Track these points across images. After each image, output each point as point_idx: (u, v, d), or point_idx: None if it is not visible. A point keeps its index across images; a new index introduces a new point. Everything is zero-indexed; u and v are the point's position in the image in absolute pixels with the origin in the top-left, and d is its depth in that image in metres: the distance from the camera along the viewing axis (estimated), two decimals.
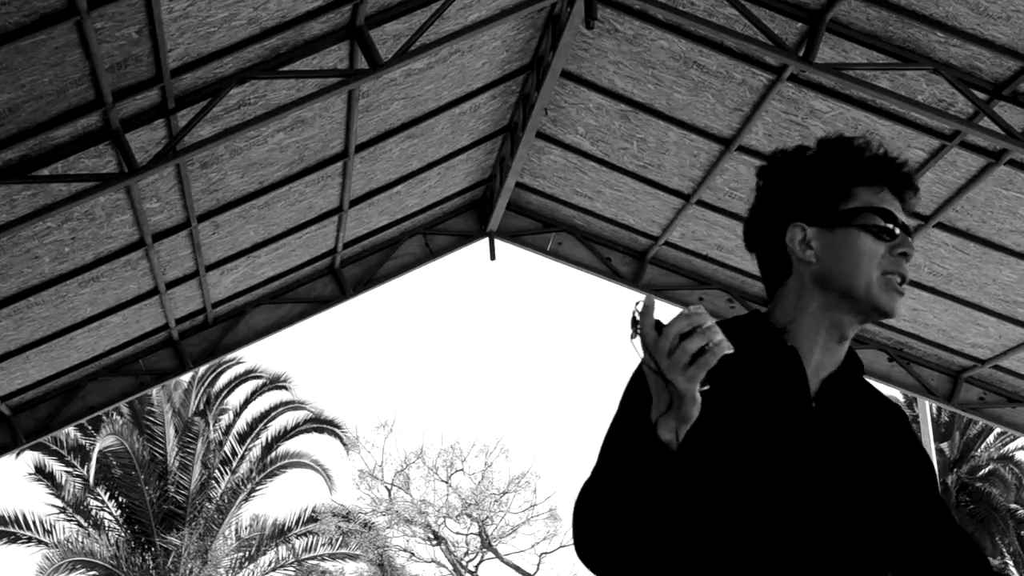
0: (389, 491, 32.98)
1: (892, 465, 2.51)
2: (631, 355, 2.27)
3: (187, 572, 26.70)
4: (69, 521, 27.18)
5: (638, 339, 2.23)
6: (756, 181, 2.65)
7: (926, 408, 24.60)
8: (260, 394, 28.94)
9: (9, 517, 26.81)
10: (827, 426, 2.45)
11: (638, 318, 2.23)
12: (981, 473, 33.28)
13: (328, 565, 29.80)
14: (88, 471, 26.55)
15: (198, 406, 28.26)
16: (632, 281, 13.11)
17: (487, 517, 33.17)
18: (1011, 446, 33.76)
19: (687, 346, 2.15)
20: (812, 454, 2.41)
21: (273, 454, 28.44)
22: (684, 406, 2.19)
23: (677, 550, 2.38)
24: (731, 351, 2.16)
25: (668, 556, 2.38)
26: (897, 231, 2.49)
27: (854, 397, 2.54)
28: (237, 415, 28.78)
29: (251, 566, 28.30)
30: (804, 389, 2.46)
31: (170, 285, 11.23)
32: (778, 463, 2.39)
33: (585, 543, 2.36)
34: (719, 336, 2.15)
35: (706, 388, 2.21)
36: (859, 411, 2.52)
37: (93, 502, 27.13)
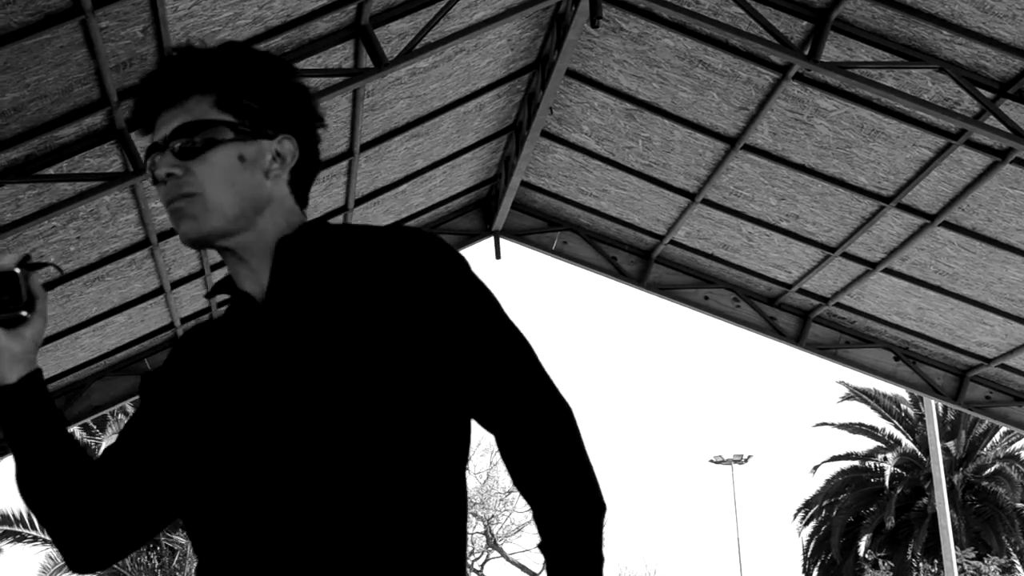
0: None
1: (359, 328, 2.03)
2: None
3: (193, 571, 26.73)
4: None
5: None
6: None
7: (932, 407, 24.60)
8: None
9: (15, 517, 26.87)
10: (283, 320, 2.09)
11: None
12: (987, 472, 33.29)
13: None
14: None
15: None
16: (638, 280, 13.10)
17: (492, 516, 33.20)
18: (1017, 445, 33.76)
19: None
20: (256, 367, 2.07)
21: None
22: None
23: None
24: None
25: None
26: (153, 161, 2.15)
27: (315, 271, 2.11)
28: None
29: None
30: (248, 300, 2.17)
31: (175, 284, 11.23)
32: (214, 400, 2.10)
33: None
34: None
35: (14, 315, 2.12)
36: (320, 284, 2.10)
37: None
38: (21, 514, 26.88)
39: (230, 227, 2.11)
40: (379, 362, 2.00)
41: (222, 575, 2.00)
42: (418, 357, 2.03)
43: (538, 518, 2.03)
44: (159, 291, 11.17)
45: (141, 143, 8.57)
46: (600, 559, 2.01)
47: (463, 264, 2.11)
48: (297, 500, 1.95)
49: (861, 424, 35.38)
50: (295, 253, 2.12)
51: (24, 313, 2.13)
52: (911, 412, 34.44)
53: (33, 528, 26.87)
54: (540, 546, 2.05)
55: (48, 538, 26.85)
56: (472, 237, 13.19)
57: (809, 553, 35.75)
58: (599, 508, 2.02)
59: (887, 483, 33.57)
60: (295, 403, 1.99)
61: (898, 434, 34.92)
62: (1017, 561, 31.80)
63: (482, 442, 41.99)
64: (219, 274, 11.53)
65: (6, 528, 26.79)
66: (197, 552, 2.10)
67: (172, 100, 2.14)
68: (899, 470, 33.96)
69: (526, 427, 2.04)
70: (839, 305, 12.85)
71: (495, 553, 33.25)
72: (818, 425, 36.96)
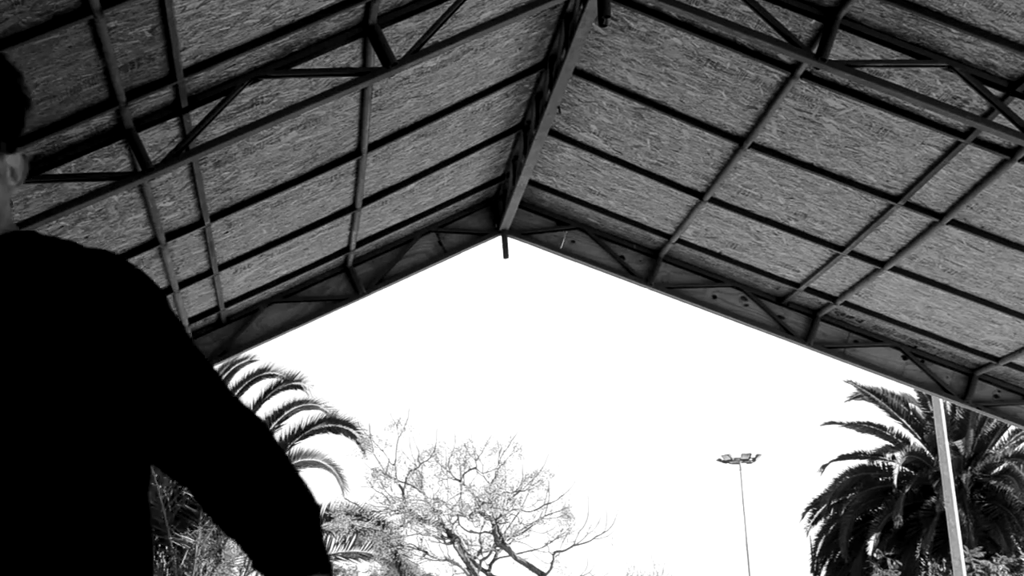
0: (402, 490, 32.97)
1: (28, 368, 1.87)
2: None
3: (200, 571, 26.75)
4: None
5: None
6: None
7: (940, 406, 24.59)
8: (274, 393, 29.00)
9: None
10: None
11: None
12: (996, 471, 33.23)
13: (341, 564, 29.85)
14: None
15: None
16: (645, 279, 13.09)
17: (500, 515, 33.20)
18: None
19: None
20: None
21: (287, 453, 28.49)
22: None
23: None
24: None
25: None
26: None
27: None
28: None
29: None
30: None
31: (183, 284, 11.24)
32: None
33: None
34: None
35: None
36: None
37: None
38: None
39: None
40: (48, 388, 1.85)
41: None
42: (96, 387, 1.88)
43: (261, 536, 1.94)
44: (167, 291, 11.18)
45: (149, 143, 8.57)
46: (328, 559, 1.96)
47: (158, 297, 1.97)
48: None
49: (869, 423, 35.33)
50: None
51: None
52: (919, 411, 34.38)
53: None
54: (263, 566, 1.95)
55: None
56: (480, 236, 13.19)
57: (817, 552, 35.71)
58: (317, 509, 1.97)
59: (895, 482, 33.53)
60: None
61: (906, 433, 34.86)
62: None
63: (489, 441, 41.96)
64: (226, 275, 11.54)
65: None
66: None
67: None
68: (907, 469, 33.91)
69: (237, 456, 1.94)
70: (847, 304, 12.84)
71: (503, 552, 33.25)
72: (826, 424, 36.88)
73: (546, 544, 33.37)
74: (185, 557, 26.80)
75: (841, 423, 35.58)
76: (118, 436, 1.92)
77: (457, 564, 33.18)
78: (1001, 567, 28.82)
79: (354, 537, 29.46)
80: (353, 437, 29.60)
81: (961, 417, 33.34)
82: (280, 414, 28.71)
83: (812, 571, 35.91)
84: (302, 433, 28.76)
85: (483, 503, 32.76)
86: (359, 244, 12.50)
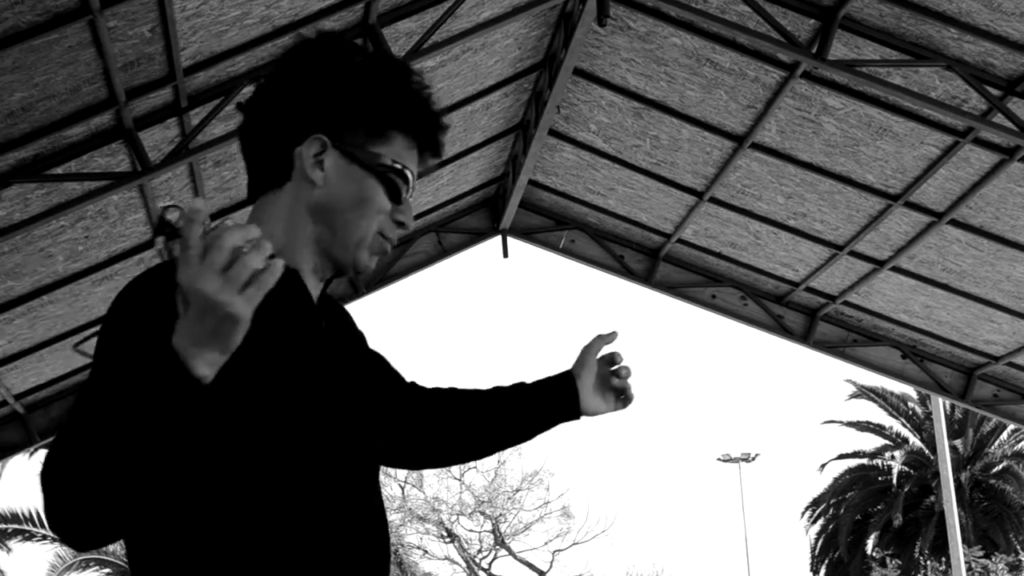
0: (402, 489, 32.98)
1: (368, 365, 2.50)
2: (155, 261, 2.13)
3: None
4: None
5: (174, 247, 1.86)
6: (284, 60, 2.29)
7: (940, 405, 24.59)
8: None
9: (24, 515, 26.89)
10: (332, 343, 2.28)
11: (175, 221, 1.88)
12: (995, 470, 33.28)
13: None
14: None
15: None
16: (645, 279, 13.10)
17: (500, 514, 33.21)
18: None
19: (248, 262, 1.78)
20: (328, 373, 2.21)
21: None
22: (235, 333, 1.82)
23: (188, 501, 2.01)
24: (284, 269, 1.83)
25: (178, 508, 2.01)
26: (405, 196, 2.32)
27: (331, 309, 2.40)
28: None
29: None
30: (312, 310, 2.25)
31: None
32: (305, 390, 2.14)
33: (69, 507, 1.85)
34: (270, 249, 1.81)
35: None
36: (338, 321, 2.41)
37: None
38: (30, 512, 26.92)
39: None
40: (373, 382, 2.48)
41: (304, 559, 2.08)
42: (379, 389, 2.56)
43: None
44: None
45: (149, 143, 8.58)
46: None
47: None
48: (367, 499, 2.25)
49: (868, 422, 35.38)
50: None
51: None
52: (918, 410, 34.42)
53: (42, 527, 26.91)
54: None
55: (55, 536, 26.89)
56: (479, 236, 13.19)
57: (817, 551, 35.76)
58: None
59: (895, 481, 33.58)
60: (365, 414, 2.31)
61: (906, 432, 34.91)
62: None
63: None
64: None
65: (15, 527, 26.82)
66: (247, 521, 2.03)
67: (428, 160, 2.46)
68: (907, 468, 33.96)
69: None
70: (846, 303, 12.85)
71: (503, 551, 33.26)
72: (825, 423, 37.00)
73: (546, 543, 33.39)
74: None
75: (840, 422, 35.63)
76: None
77: (457, 563, 33.19)
78: (1000, 566, 28.85)
79: None
80: None
81: (960, 416, 33.40)
82: None
83: (811, 570, 35.96)
84: None
85: (483, 502, 32.76)
86: None
